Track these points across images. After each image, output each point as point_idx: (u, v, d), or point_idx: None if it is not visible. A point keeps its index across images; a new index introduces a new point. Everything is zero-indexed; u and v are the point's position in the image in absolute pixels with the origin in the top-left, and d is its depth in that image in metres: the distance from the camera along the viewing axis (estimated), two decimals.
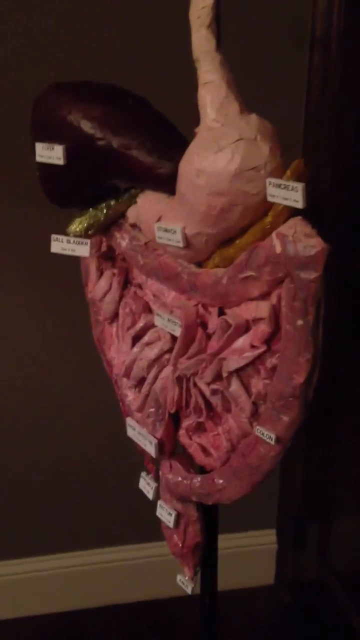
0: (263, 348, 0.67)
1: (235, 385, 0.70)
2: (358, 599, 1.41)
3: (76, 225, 0.76)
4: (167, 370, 0.76)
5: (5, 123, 1.11)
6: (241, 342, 0.68)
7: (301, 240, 0.59)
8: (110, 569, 1.47)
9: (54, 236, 0.76)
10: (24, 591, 1.45)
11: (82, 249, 0.76)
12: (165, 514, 0.83)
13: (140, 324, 0.78)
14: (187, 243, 0.68)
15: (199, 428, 0.77)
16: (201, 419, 0.76)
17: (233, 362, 0.68)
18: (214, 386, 0.72)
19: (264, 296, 0.66)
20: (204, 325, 0.72)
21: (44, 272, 1.21)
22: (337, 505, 1.47)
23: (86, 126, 0.69)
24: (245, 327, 0.68)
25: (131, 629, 1.44)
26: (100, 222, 0.76)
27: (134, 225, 0.76)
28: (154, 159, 0.68)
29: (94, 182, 0.74)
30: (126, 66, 1.10)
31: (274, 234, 0.62)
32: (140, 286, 0.80)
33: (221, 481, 0.75)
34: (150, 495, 0.85)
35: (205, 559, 0.87)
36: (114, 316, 0.82)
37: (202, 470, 0.79)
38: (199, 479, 0.78)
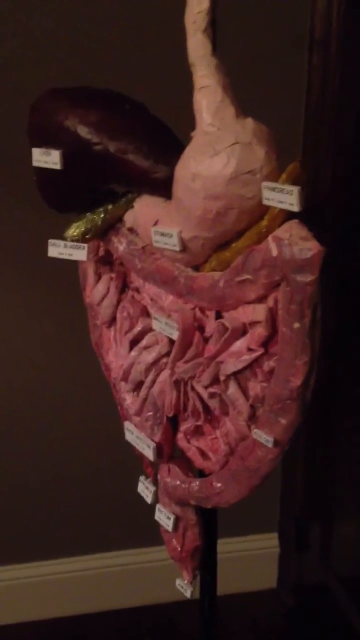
0: (260, 351, 0.67)
1: (232, 389, 0.70)
2: None
3: (73, 230, 0.76)
4: (165, 373, 0.76)
5: (4, 125, 1.12)
6: (238, 345, 0.68)
7: (297, 243, 0.59)
8: (109, 574, 1.47)
9: (51, 241, 0.76)
10: (23, 596, 1.45)
11: (79, 254, 0.76)
12: (164, 517, 0.83)
13: (138, 328, 0.79)
14: (184, 247, 0.68)
15: (197, 431, 0.77)
16: (199, 423, 0.76)
17: (230, 365, 0.68)
18: (211, 389, 0.72)
19: (261, 299, 0.66)
20: (202, 329, 0.72)
21: (42, 276, 1.21)
22: (340, 508, 1.47)
23: (83, 131, 0.70)
24: (242, 330, 0.68)
25: (130, 633, 1.44)
26: (97, 226, 0.76)
27: (131, 230, 0.76)
28: (150, 163, 0.68)
29: (91, 187, 0.75)
30: (123, 71, 1.10)
31: (270, 237, 0.62)
32: (137, 290, 0.80)
33: (219, 484, 0.75)
34: (149, 499, 0.85)
35: (205, 563, 0.87)
36: (112, 320, 0.82)
37: (200, 473, 0.79)
38: (197, 482, 0.78)
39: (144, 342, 0.78)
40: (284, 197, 0.59)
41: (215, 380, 0.71)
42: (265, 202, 0.61)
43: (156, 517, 0.85)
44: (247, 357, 0.67)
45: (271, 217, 0.62)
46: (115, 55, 1.11)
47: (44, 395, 1.32)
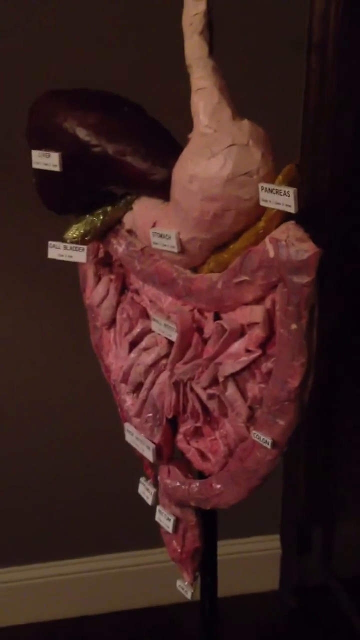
0: (258, 352, 0.67)
1: (231, 390, 0.70)
2: None
3: (73, 232, 0.76)
4: (164, 375, 0.77)
5: (3, 127, 1.12)
6: (236, 346, 0.68)
7: (294, 245, 0.60)
8: (109, 576, 1.47)
9: (50, 243, 0.76)
10: (23, 598, 1.45)
11: (79, 255, 0.76)
12: (164, 519, 0.83)
13: (138, 330, 0.79)
14: (182, 248, 0.68)
15: (197, 433, 0.77)
16: (198, 424, 0.76)
17: (229, 367, 0.69)
18: (210, 391, 0.72)
19: (259, 301, 0.66)
20: (200, 330, 0.72)
21: (42, 278, 1.22)
22: (341, 510, 1.46)
23: (81, 133, 0.70)
24: (240, 332, 0.68)
25: (131, 635, 1.44)
26: (96, 228, 0.76)
27: (130, 231, 0.76)
28: (148, 165, 0.68)
29: (90, 189, 0.75)
30: (121, 73, 1.10)
31: (267, 239, 0.62)
32: (137, 292, 0.80)
33: (219, 486, 0.75)
34: (149, 500, 0.85)
35: (205, 564, 0.87)
36: (112, 322, 0.83)
37: (200, 475, 0.79)
38: (197, 484, 0.78)
39: (143, 344, 0.78)
40: (281, 198, 0.60)
41: (213, 382, 0.71)
42: (262, 203, 0.61)
43: (157, 519, 0.85)
44: (245, 359, 0.67)
45: (268, 218, 0.62)
46: (114, 57, 1.12)
47: (45, 397, 1.32)
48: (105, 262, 0.83)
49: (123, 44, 1.11)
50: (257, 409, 0.70)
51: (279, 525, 1.52)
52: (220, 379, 0.70)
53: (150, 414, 0.79)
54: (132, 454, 0.85)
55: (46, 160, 0.73)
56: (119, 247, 0.77)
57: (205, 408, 0.74)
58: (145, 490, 0.86)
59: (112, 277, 0.81)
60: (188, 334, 0.72)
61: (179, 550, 0.85)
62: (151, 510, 0.86)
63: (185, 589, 0.87)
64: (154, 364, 0.77)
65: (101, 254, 0.82)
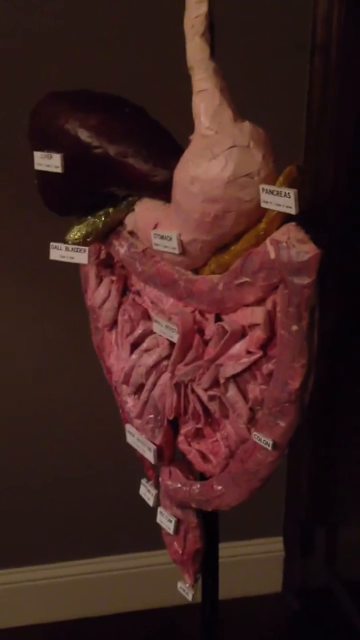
0: (259, 354, 0.67)
1: (232, 391, 0.70)
2: None
3: (75, 233, 0.76)
4: (166, 376, 0.77)
5: (4, 128, 1.13)
6: (237, 348, 0.68)
7: (294, 246, 0.60)
8: (110, 578, 1.47)
9: (52, 244, 0.77)
10: (24, 600, 1.45)
11: (80, 257, 0.77)
12: (165, 520, 0.83)
13: (139, 331, 0.79)
14: (183, 250, 0.68)
15: (198, 434, 0.77)
16: (200, 425, 0.76)
17: (229, 368, 0.69)
18: (211, 392, 0.72)
19: (260, 302, 0.66)
20: (201, 332, 0.72)
21: (44, 279, 1.22)
22: (344, 512, 1.46)
23: (83, 135, 0.70)
24: (241, 333, 0.68)
25: (132, 638, 1.43)
26: (98, 229, 0.77)
27: (132, 233, 0.76)
28: (149, 166, 0.69)
29: (91, 190, 0.75)
30: (123, 75, 1.10)
31: (267, 240, 0.62)
32: (138, 293, 0.80)
33: (220, 487, 0.75)
34: (150, 501, 0.85)
35: (206, 566, 0.87)
36: (113, 323, 0.83)
37: (202, 477, 0.79)
38: (198, 485, 0.78)
39: (144, 345, 0.78)
40: (282, 199, 0.60)
41: (214, 383, 0.71)
42: (263, 204, 0.61)
43: (158, 520, 0.85)
44: (246, 360, 0.67)
45: (269, 219, 0.62)
46: (116, 59, 1.12)
47: (46, 398, 1.32)
48: (107, 264, 0.83)
49: (125, 46, 1.12)
50: (258, 411, 0.70)
51: (282, 527, 1.51)
52: (221, 381, 0.70)
53: (152, 416, 0.79)
54: (133, 455, 0.85)
55: (48, 162, 0.73)
56: (121, 248, 0.77)
57: (206, 409, 0.74)
58: (147, 492, 0.86)
59: (114, 278, 0.81)
60: (189, 336, 0.72)
61: (180, 552, 0.85)
62: (152, 511, 0.86)
63: (186, 590, 0.87)
64: (155, 365, 0.77)
65: (103, 256, 0.82)
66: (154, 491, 0.85)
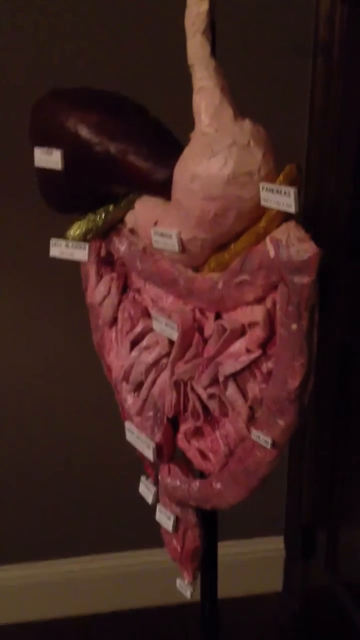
0: (258, 352, 0.67)
1: (231, 390, 0.70)
2: None
3: (75, 230, 0.77)
4: (165, 374, 0.77)
5: (5, 126, 1.13)
6: (237, 346, 0.68)
7: (294, 245, 0.60)
8: (109, 575, 1.47)
9: (52, 240, 0.77)
10: (23, 597, 1.45)
11: (80, 253, 0.77)
12: (165, 518, 0.83)
13: (139, 329, 0.79)
14: (183, 248, 0.68)
15: (197, 432, 0.77)
16: (199, 424, 0.76)
17: (229, 367, 0.69)
18: (210, 390, 0.72)
19: (259, 300, 0.66)
20: (201, 330, 0.72)
21: (44, 277, 1.22)
22: (346, 513, 1.45)
23: (83, 132, 0.70)
24: (241, 332, 0.68)
25: (131, 636, 1.43)
26: (98, 227, 0.77)
27: (132, 231, 0.76)
28: (150, 164, 0.69)
29: (92, 188, 0.75)
30: (123, 73, 1.10)
31: (267, 239, 0.62)
32: (138, 291, 0.80)
33: (219, 486, 0.75)
34: (149, 499, 0.85)
35: (205, 565, 0.87)
36: (113, 321, 0.83)
37: (201, 475, 0.79)
38: (197, 483, 0.78)
39: (144, 343, 0.78)
40: (282, 198, 0.60)
41: (214, 381, 0.71)
42: (263, 203, 0.61)
43: (157, 518, 0.85)
44: (246, 359, 0.67)
45: (269, 218, 0.62)
46: (116, 56, 1.12)
47: (46, 396, 1.33)
48: (107, 261, 0.83)
49: (125, 44, 1.12)
50: (257, 409, 0.70)
51: (283, 527, 1.51)
52: (221, 379, 0.70)
53: (151, 413, 0.79)
54: (132, 453, 0.85)
55: (48, 158, 0.73)
56: (121, 246, 0.77)
57: (205, 408, 0.74)
58: (146, 489, 0.86)
59: (114, 275, 0.81)
60: (189, 334, 0.72)
61: (179, 550, 0.85)
62: (151, 509, 0.86)
63: (184, 588, 0.87)
64: (155, 363, 0.77)
65: (103, 253, 0.82)
66: (153, 489, 0.85)
